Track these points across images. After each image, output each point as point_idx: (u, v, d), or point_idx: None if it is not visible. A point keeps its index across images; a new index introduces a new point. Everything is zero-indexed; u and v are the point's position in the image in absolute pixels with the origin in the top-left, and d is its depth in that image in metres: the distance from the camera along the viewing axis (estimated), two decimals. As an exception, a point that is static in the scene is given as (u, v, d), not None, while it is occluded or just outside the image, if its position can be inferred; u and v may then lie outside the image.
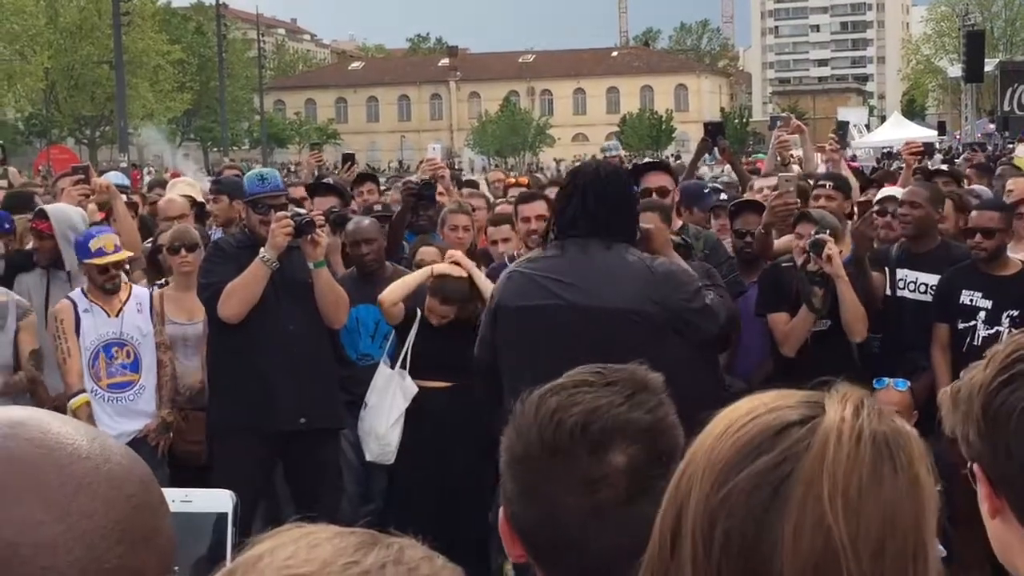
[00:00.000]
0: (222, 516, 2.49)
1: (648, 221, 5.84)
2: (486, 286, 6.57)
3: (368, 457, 6.89)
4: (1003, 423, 1.75)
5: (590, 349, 4.70)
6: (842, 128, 9.69)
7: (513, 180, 12.74)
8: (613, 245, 5.04)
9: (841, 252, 6.85)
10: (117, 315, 6.90)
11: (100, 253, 6.79)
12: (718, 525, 1.24)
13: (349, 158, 10.79)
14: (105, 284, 6.84)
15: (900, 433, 1.28)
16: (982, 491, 1.81)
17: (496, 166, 66.38)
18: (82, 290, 6.96)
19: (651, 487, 1.79)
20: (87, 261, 6.81)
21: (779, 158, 9.76)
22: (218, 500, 2.52)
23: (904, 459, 1.25)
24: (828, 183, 7.67)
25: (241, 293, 6.48)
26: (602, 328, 4.85)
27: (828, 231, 6.36)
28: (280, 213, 6.60)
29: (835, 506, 1.20)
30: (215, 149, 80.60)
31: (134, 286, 7.18)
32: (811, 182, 8.27)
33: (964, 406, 1.80)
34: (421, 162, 10.86)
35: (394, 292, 6.74)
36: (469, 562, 5.57)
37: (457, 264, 6.78)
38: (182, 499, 2.41)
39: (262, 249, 6.47)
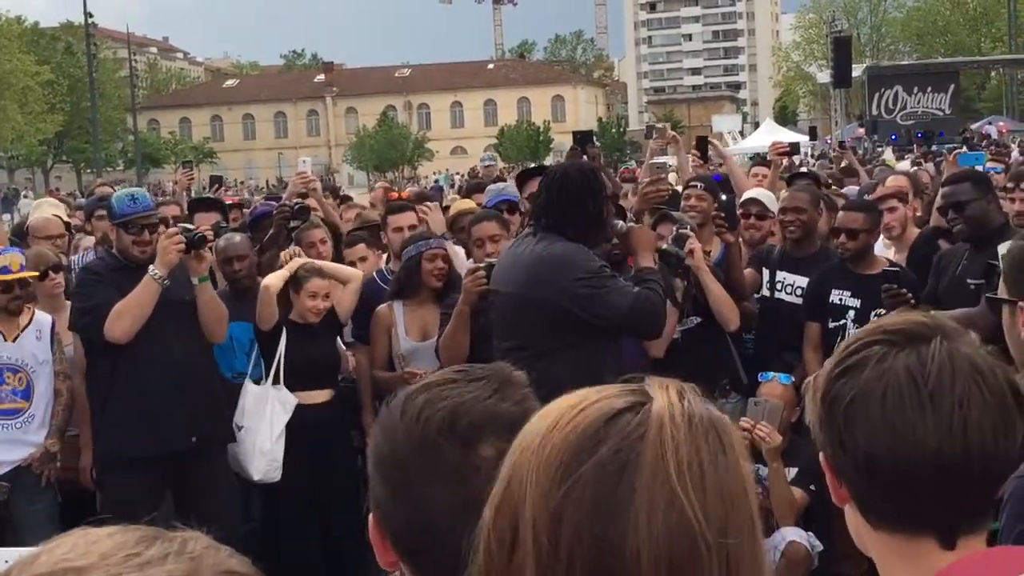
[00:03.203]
0: None
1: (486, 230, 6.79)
2: (340, 270, 7.18)
3: (255, 477, 6.79)
4: (836, 415, 1.80)
5: (511, 332, 5.46)
6: (702, 145, 9.71)
7: (396, 193, 12.72)
8: (548, 237, 5.43)
9: (709, 253, 6.99)
10: (14, 340, 6.70)
11: (5, 271, 6.59)
12: (564, 520, 1.22)
13: (216, 180, 10.69)
14: (8, 304, 6.64)
15: (721, 417, 1.30)
16: (829, 480, 1.85)
17: (382, 178, 66.09)
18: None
19: None
20: None
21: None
22: None
23: (728, 440, 1.27)
24: (699, 183, 7.77)
25: (134, 312, 6.36)
26: (507, 310, 5.54)
27: (688, 228, 6.46)
28: (171, 229, 6.55)
29: (684, 483, 1.20)
30: (88, 170, 79.19)
31: (37, 312, 6.92)
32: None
33: (809, 397, 1.86)
34: (278, 180, 10.84)
35: (271, 278, 6.79)
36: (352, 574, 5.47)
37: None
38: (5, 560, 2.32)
39: (151, 267, 6.38)
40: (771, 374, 6.67)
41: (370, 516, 1.95)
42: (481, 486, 1.82)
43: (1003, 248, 4.51)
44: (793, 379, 6.58)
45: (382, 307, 6.97)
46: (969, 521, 1.77)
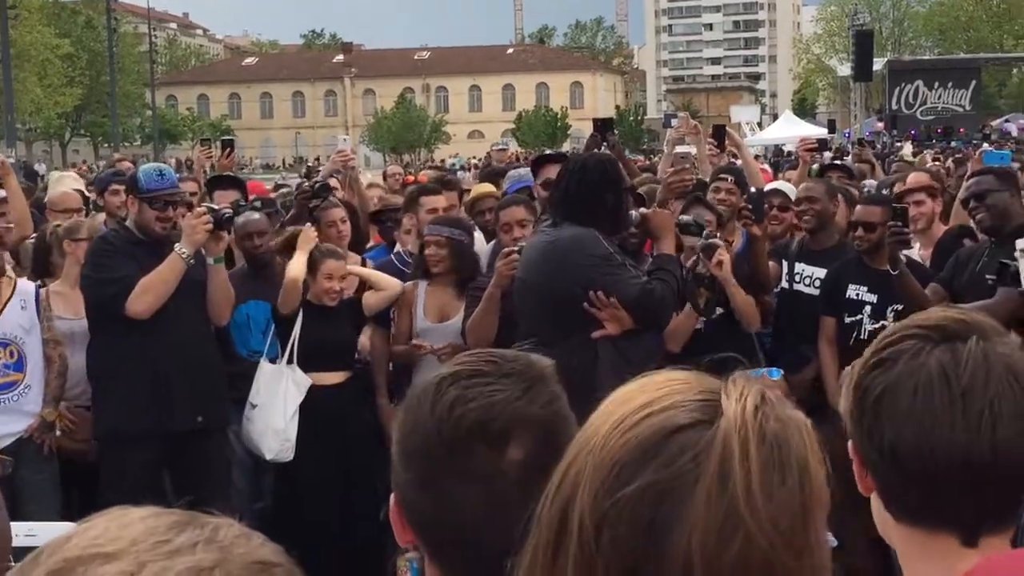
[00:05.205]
0: None
1: (514, 215, 6.75)
2: (380, 279, 7.10)
3: (267, 456, 6.81)
4: (867, 406, 1.80)
5: (530, 320, 5.58)
6: (718, 133, 9.55)
7: (412, 177, 12.75)
8: (567, 225, 5.48)
9: (732, 242, 6.98)
10: None
11: None
12: (607, 527, 1.22)
13: (228, 144, 10.64)
14: None
15: (798, 426, 1.27)
16: (856, 469, 1.85)
17: (394, 162, 66.14)
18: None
19: (547, 478, 1.80)
20: None
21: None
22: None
23: (803, 454, 1.25)
24: (729, 176, 7.75)
25: (158, 289, 6.37)
26: (525, 299, 5.64)
27: (706, 232, 6.43)
28: (199, 208, 6.56)
29: (752, 505, 1.18)
30: (105, 145, 79.32)
31: (19, 281, 6.82)
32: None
33: (845, 386, 1.85)
34: (317, 158, 10.81)
35: (295, 267, 6.78)
36: (364, 558, 5.55)
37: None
38: (26, 534, 2.33)
39: (178, 245, 6.39)
40: (761, 370, 6.65)
41: (391, 497, 1.95)
42: (507, 487, 1.82)
43: (1021, 243, 4.51)
44: (783, 373, 6.56)
45: (408, 284, 6.98)
46: (993, 520, 1.76)
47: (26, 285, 6.85)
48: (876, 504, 1.86)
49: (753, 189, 7.86)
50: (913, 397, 1.74)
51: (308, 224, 7.27)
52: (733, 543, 1.18)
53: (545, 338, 5.22)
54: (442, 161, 59.69)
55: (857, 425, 1.82)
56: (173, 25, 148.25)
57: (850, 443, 1.85)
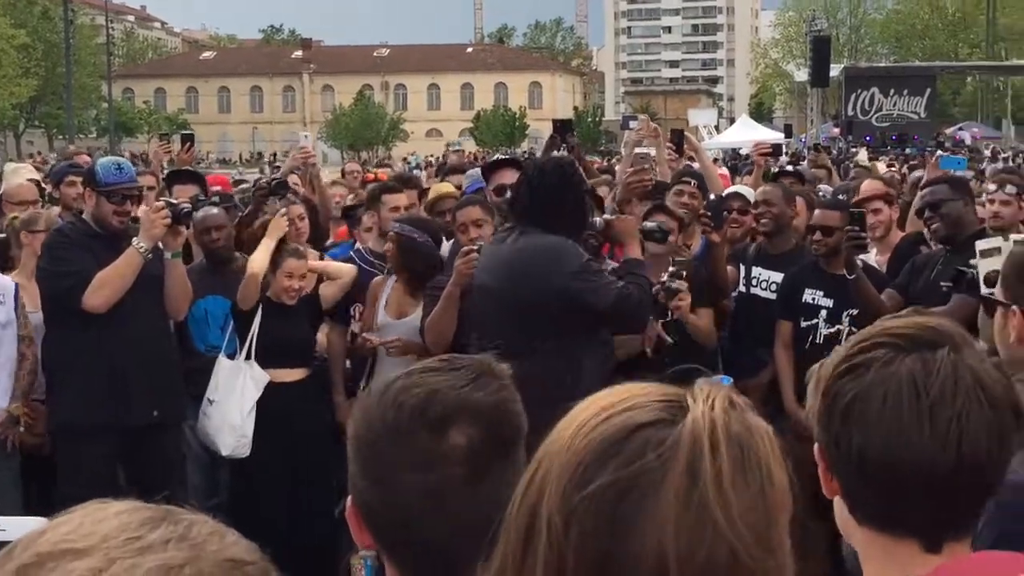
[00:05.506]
0: None
1: (470, 215, 6.68)
2: (333, 268, 7.22)
3: (223, 452, 6.80)
4: (835, 411, 1.82)
5: (494, 327, 5.41)
6: (677, 138, 9.51)
7: (372, 175, 12.71)
8: (534, 232, 5.42)
9: (690, 245, 7.04)
10: None
11: None
12: (574, 525, 1.23)
13: (188, 138, 10.59)
14: None
15: (762, 433, 1.29)
16: (822, 472, 1.87)
17: (352, 159, 65.96)
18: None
19: (491, 470, 1.82)
20: None
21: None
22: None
23: (766, 460, 1.26)
24: (692, 180, 7.79)
25: (116, 283, 6.34)
26: (488, 306, 5.55)
27: (682, 270, 6.47)
28: (157, 203, 6.54)
29: (723, 502, 1.19)
30: (60, 137, 78.61)
31: None
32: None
33: (811, 386, 1.87)
34: (274, 154, 10.77)
35: (257, 260, 6.77)
36: (319, 555, 5.55)
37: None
38: None
39: (135, 239, 6.36)
40: (714, 378, 6.68)
41: (348, 498, 1.97)
42: (450, 474, 1.84)
43: (981, 245, 4.56)
44: (731, 380, 6.58)
45: (378, 278, 6.97)
46: (955, 528, 1.79)
47: (3, 280, 6.82)
48: (840, 507, 1.88)
49: (712, 196, 7.91)
50: (882, 405, 1.76)
51: (282, 211, 7.22)
52: (704, 541, 1.19)
53: (510, 344, 5.20)
54: (403, 159, 59.42)
55: (825, 430, 1.84)
56: (131, 18, 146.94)
57: (816, 446, 1.87)
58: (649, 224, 6.41)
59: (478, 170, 8.97)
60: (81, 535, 1.08)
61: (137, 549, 1.07)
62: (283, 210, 7.22)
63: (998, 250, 4.23)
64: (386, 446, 1.87)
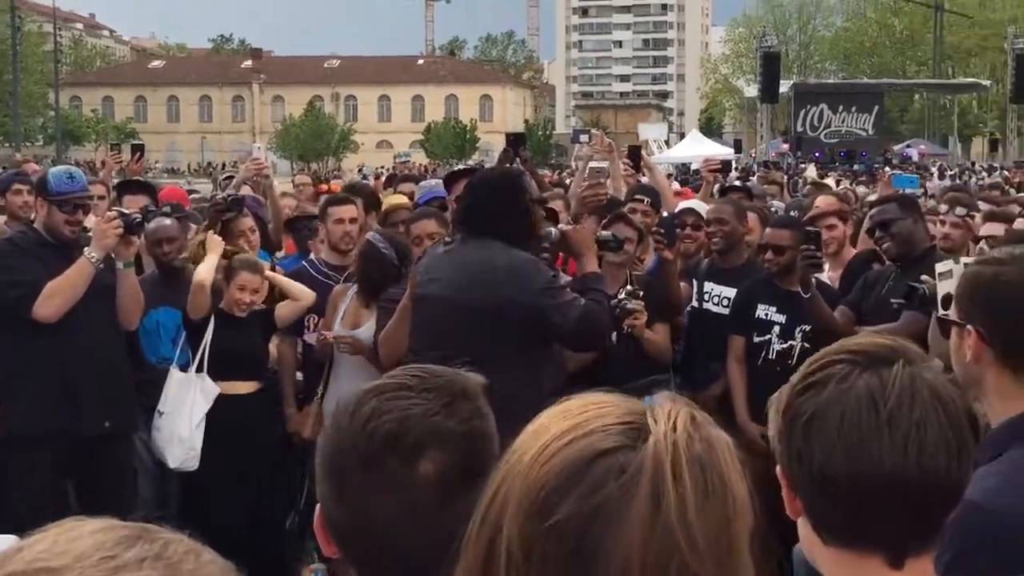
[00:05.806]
0: None
1: (425, 228, 6.70)
2: (295, 289, 7.08)
3: (171, 464, 6.76)
4: (795, 429, 1.82)
5: (447, 338, 5.13)
6: (634, 154, 9.45)
7: (325, 187, 12.70)
8: (483, 242, 5.32)
9: (645, 260, 7.07)
10: None
11: None
12: (535, 551, 1.22)
13: (138, 149, 10.54)
14: None
15: (724, 446, 1.29)
16: (785, 493, 1.88)
17: (302, 170, 65.77)
18: None
19: (461, 496, 1.81)
20: None
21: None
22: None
23: (728, 475, 1.27)
24: (645, 198, 7.82)
25: (67, 293, 6.28)
26: (440, 316, 5.33)
27: (639, 289, 6.52)
28: (109, 212, 6.50)
29: (683, 522, 1.20)
30: (6, 144, 77.93)
31: None
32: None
33: (774, 411, 1.88)
34: (223, 164, 10.73)
35: (202, 271, 6.74)
36: (270, 567, 5.49)
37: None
38: None
39: (87, 249, 6.31)
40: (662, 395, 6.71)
41: (317, 508, 1.96)
42: (420, 499, 1.84)
43: (939, 267, 4.61)
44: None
45: (340, 287, 6.94)
46: (918, 541, 1.80)
47: None
48: (804, 527, 1.88)
49: (665, 213, 7.94)
50: (841, 420, 1.77)
51: (212, 233, 7.24)
52: (670, 567, 1.19)
53: (482, 353, 5.12)
54: (351, 171, 59.27)
55: (786, 448, 1.85)
56: (79, 25, 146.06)
57: (778, 467, 1.88)
58: (604, 233, 6.41)
59: (431, 181, 8.97)
60: (55, 553, 1.07)
61: (112, 568, 1.06)
62: (210, 234, 7.24)
63: (951, 273, 4.27)
64: (356, 472, 1.87)
